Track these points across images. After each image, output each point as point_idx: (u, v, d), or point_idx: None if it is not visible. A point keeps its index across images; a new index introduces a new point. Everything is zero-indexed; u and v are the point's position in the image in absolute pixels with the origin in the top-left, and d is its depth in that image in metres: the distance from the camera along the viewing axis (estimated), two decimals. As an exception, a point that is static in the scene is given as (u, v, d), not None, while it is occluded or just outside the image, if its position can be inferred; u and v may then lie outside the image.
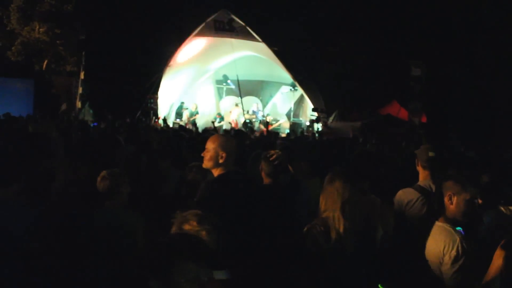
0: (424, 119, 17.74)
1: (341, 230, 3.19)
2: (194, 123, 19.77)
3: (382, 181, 4.77)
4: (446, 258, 3.06)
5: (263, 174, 4.41)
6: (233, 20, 19.11)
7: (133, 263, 3.77)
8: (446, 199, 3.30)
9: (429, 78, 16.92)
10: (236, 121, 20.86)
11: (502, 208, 4.01)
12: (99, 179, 4.05)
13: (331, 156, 6.70)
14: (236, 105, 21.25)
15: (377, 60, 21.86)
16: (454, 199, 3.26)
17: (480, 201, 3.56)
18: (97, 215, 3.95)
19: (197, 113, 21.59)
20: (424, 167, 4.53)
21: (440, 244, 3.12)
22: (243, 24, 19.08)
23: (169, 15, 23.93)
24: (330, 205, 3.29)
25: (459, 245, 3.05)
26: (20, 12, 21.97)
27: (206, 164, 3.81)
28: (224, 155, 3.74)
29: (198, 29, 19.54)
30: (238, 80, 19.21)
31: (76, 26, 23.17)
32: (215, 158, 3.76)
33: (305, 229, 3.33)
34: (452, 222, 3.24)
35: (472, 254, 3.08)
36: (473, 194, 3.23)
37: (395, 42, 22.48)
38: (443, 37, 21.42)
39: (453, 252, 3.04)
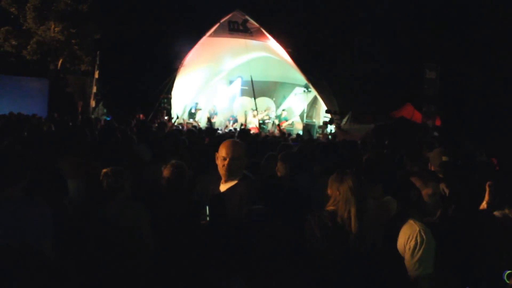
0: (438, 122, 17.56)
1: (353, 229, 3.19)
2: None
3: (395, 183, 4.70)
4: (407, 249, 3.09)
5: (279, 174, 4.39)
6: (247, 21, 19.11)
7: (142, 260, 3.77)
8: (411, 195, 3.35)
9: (443, 81, 16.74)
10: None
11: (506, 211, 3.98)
12: (101, 176, 3.98)
13: (343, 159, 6.63)
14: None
15: (392, 63, 21.73)
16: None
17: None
18: (101, 211, 3.91)
19: (216, 114, 21.86)
20: (437, 171, 4.46)
21: (403, 237, 3.14)
22: (257, 25, 19.07)
23: (183, 15, 23.99)
24: (342, 204, 3.26)
25: (418, 235, 3.07)
26: (36, 11, 22.17)
27: (236, 173, 3.66)
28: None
29: (213, 29, 19.59)
30: (252, 81, 19.21)
31: (91, 26, 23.34)
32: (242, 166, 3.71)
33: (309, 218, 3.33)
34: (419, 216, 3.27)
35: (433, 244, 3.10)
36: (435, 189, 3.31)
37: (410, 45, 22.33)
38: (458, 40, 21.23)
39: (412, 242, 3.07)
